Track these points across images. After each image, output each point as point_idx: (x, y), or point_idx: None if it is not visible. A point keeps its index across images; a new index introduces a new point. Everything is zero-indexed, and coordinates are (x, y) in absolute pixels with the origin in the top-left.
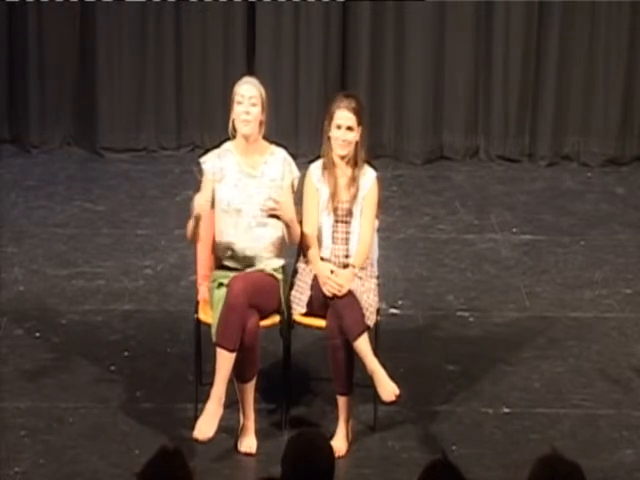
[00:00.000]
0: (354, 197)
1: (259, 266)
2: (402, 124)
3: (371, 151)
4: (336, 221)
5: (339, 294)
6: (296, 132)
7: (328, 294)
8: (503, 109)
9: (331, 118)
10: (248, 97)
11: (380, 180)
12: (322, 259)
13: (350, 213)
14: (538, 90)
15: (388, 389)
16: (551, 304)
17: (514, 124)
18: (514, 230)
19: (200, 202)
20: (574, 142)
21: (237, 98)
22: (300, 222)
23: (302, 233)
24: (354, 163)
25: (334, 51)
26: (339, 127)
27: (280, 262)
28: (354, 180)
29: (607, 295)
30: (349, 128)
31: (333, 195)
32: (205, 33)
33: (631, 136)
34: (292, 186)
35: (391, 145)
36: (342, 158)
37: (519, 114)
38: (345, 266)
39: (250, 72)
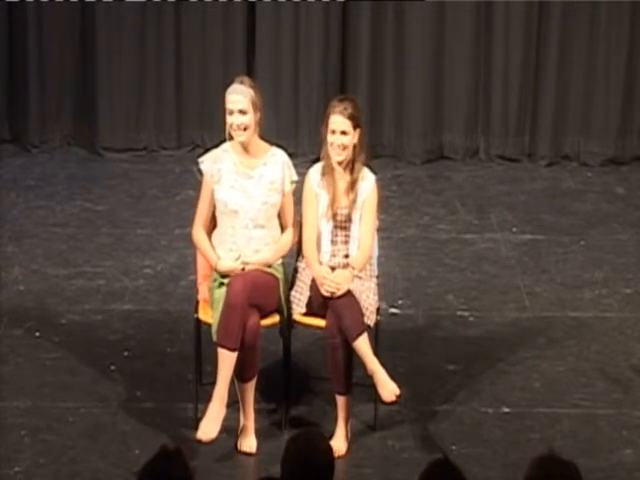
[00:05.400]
0: (353, 202)
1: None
2: (402, 124)
3: (371, 151)
4: (335, 227)
5: (337, 293)
6: (296, 132)
7: (326, 294)
8: (503, 109)
9: (327, 123)
10: (237, 110)
11: (379, 182)
12: (321, 264)
13: (349, 219)
14: (538, 90)
15: (388, 389)
16: (551, 304)
17: (514, 124)
18: (514, 230)
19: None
20: (574, 142)
21: (227, 107)
22: (300, 225)
23: (301, 237)
24: (352, 168)
25: (334, 51)
26: (333, 132)
27: (279, 260)
28: (353, 185)
29: (607, 295)
30: (343, 132)
31: (332, 202)
32: (205, 33)
33: (631, 136)
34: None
35: (391, 145)
36: (339, 164)
37: (519, 114)
38: (345, 266)
39: (250, 72)
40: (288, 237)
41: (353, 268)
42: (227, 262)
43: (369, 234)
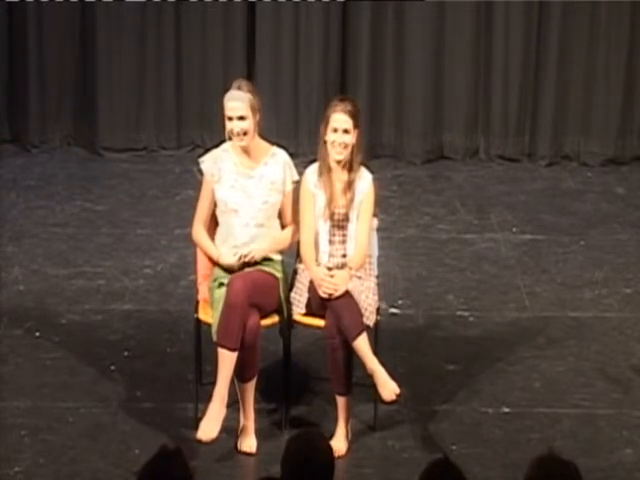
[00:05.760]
0: (350, 202)
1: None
2: (402, 124)
3: (371, 151)
4: (332, 226)
5: (335, 294)
6: (296, 132)
7: (324, 295)
8: (503, 109)
9: (327, 122)
10: (237, 117)
11: (377, 181)
12: (319, 264)
13: (347, 218)
14: (538, 90)
15: (388, 388)
16: (551, 304)
17: (514, 124)
18: (514, 230)
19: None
20: (574, 142)
21: (226, 114)
22: (297, 225)
23: (299, 238)
24: (350, 167)
25: (334, 51)
26: (335, 130)
27: (278, 258)
28: (350, 185)
29: (607, 295)
30: (345, 131)
31: (329, 201)
32: (205, 33)
33: (631, 136)
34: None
35: (391, 145)
36: (338, 163)
37: (519, 114)
38: (343, 266)
39: (250, 72)
40: (288, 233)
41: (350, 268)
42: (229, 257)
43: (365, 233)
